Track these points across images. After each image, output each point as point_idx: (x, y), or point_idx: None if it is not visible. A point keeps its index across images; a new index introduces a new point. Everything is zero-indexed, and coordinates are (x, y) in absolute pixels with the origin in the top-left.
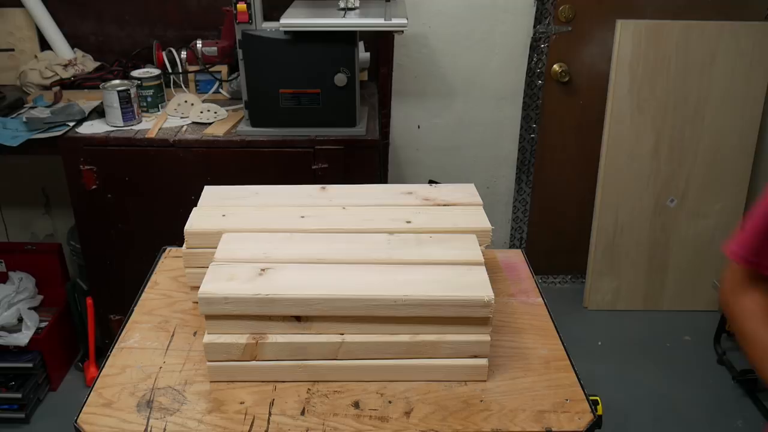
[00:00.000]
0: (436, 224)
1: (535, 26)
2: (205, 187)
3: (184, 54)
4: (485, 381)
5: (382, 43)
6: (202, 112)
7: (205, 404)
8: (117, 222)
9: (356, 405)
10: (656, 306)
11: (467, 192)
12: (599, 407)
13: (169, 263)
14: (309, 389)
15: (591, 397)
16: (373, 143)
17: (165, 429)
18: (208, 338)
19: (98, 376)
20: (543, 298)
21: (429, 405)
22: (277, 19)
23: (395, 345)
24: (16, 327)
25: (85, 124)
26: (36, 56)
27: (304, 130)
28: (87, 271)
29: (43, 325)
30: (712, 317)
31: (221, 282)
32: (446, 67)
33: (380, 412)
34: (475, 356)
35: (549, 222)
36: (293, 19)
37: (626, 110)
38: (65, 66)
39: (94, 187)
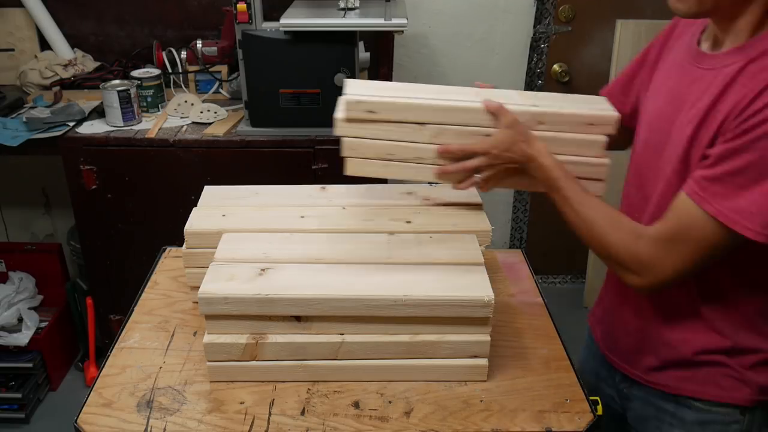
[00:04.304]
0: (436, 224)
1: (535, 26)
2: (205, 187)
3: (184, 54)
4: (485, 381)
5: (382, 43)
6: (202, 112)
7: (205, 404)
8: (117, 222)
9: (356, 405)
10: None
11: (467, 192)
12: (599, 407)
13: (169, 263)
14: (309, 389)
15: (591, 398)
16: None
17: (165, 429)
18: (208, 338)
19: (98, 376)
20: (543, 298)
21: (429, 405)
22: (277, 19)
23: (395, 345)
24: (16, 327)
25: (85, 124)
26: (36, 56)
27: (304, 130)
28: (87, 271)
29: (43, 325)
30: None
31: (221, 282)
32: (446, 67)
33: (380, 412)
34: (475, 356)
35: (549, 222)
36: (293, 19)
37: None
38: (65, 66)
39: (94, 187)
